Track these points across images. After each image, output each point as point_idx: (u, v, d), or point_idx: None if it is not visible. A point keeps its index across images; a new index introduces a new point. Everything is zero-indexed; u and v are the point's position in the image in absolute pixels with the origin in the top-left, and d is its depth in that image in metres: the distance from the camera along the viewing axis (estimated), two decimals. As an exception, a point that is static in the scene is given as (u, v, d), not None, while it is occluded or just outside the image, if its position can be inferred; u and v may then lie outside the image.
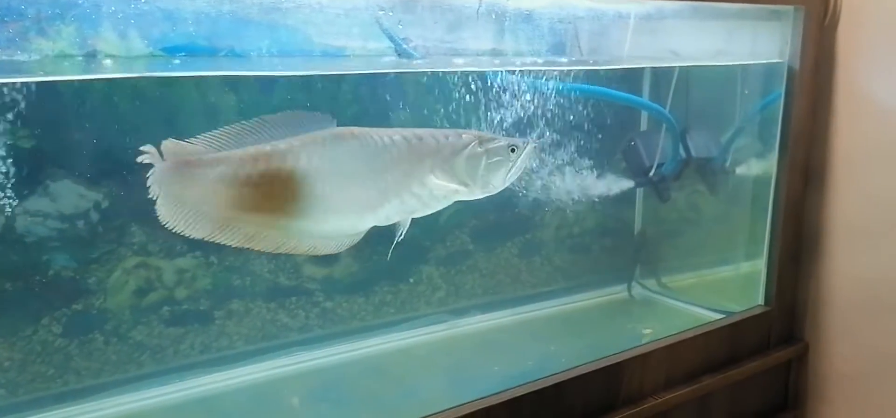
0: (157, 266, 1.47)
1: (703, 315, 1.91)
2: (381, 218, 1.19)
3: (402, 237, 1.22)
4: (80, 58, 1.28)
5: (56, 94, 1.31)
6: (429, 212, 1.23)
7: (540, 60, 1.75)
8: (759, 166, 1.89)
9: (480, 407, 1.33)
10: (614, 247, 2.12)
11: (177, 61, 1.36)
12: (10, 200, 1.28)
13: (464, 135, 1.21)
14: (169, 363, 1.51)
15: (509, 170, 1.22)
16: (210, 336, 1.55)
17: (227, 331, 1.57)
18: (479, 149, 1.20)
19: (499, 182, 1.22)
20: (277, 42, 1.52)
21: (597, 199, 1.91)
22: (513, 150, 1.21)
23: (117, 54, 1.34)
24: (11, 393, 1.35)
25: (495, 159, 1.20)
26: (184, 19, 1.33)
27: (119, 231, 1.42)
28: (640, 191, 2.09)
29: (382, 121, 1.68)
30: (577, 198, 1.87)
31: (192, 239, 1.36)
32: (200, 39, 1.41)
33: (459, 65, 1.63)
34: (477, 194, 1.23)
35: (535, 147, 1.24)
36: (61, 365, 1.39)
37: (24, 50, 1.23)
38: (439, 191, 1.20)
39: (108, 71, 1.33)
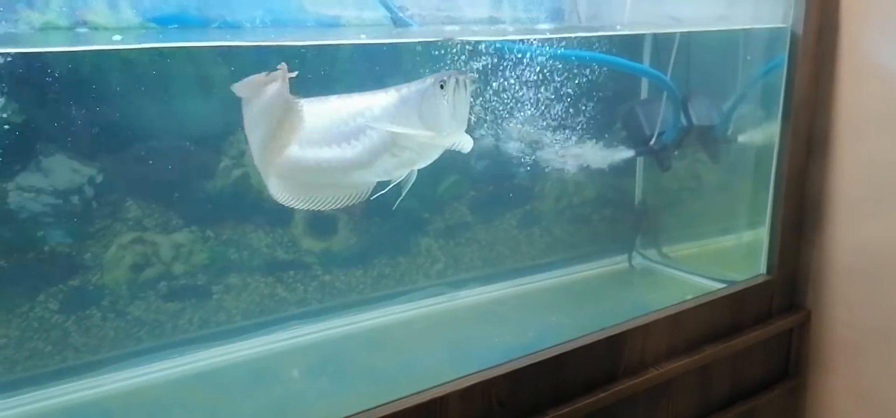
0: (154, 241, 1.46)
1: (704, 285, 1.90)
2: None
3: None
4: (68, 29, 1.26)
5: (46, 67, 1.29)
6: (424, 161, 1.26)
7: (538, 27, 1.73)
8: (761, 134, 1.87)
9: (481, 380, 1.32)
10: (614, 217, 2.11)
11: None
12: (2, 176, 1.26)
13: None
14: (167, 338, 1.50)
15: (450, 106, 1.18)
16: (208, 310, 1.54)
17: (225, 306, 1.56)
18: (411, 91, 1.20)
19: (446, 120, 1.19)
20: (270, 12, 1.49)
21: (596, 169, 1.89)
22: (441, 86, 1.18)
23: (107, 25, 1.31)
24: (8, 370, 1.34)
25: (430, 99, 1.18)
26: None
27: (114, 205, 1.40)
28: (640, 160, 2.07)
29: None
30: (576, 167, 1.85)
31: (187, 213, 1.37)
32: (192, 10, 1.39)
33: (455, 33, 1.60)
34: (442, 137, 1.22)
35: (469, 79, 1.18)
36: (58, 341, 1.38)
37: (8, 20, 1.21)
38: (416, 141, 1.22)
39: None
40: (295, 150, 1.17)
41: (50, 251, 1.35)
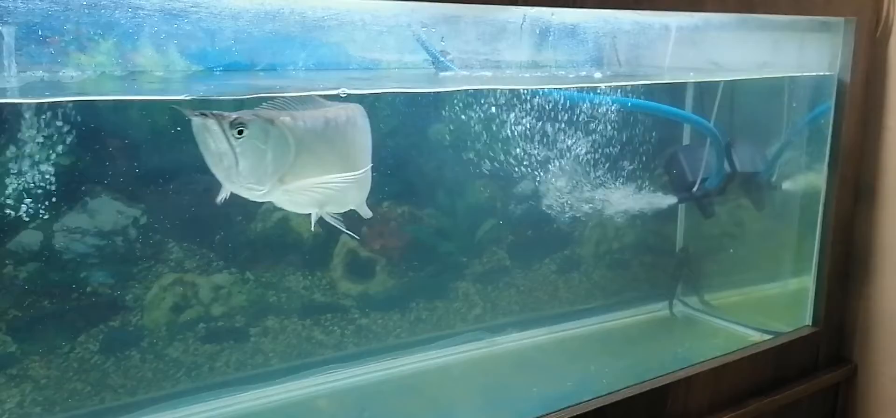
0: (194, 282, 1.46)
1: (747, 335, 1.85)
2: None
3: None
4: (119, 73, 1.28)
5: (94, 112, 1.31)
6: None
7: (576, 73, 1.72)
8: (806, 181, 1.83)
9: (520, 432, 1.30)
10: (655, 263, 2.07)
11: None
12: (47, 216, 1.27)
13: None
14: (204, 380, 1.50)
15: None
16: (245, 353, 1.54)
17: (262, 349, 1.56)
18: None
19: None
20: (313, 55, 1.51)
21: (637, 214, 1.87)
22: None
23: (155, 70, 1.33)
24: (48, 410, 1.34)
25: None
26: (223, 36, 1.32)
27: (156, 247, 1.41)
28: (682, 207, 2.04)
29: (417, 137, 1.66)
30: (617, 213, 1.83)
31: (229, 255, 1.36)
32: (237, 53, 1.40)
33: (494, 80, 1.60)
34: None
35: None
36: (98, 382, 1.38)
37: (63, 65, 1.23)
38: None
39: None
40: None
41: (92, 292, 1.36)
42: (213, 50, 1.38)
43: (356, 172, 1.18)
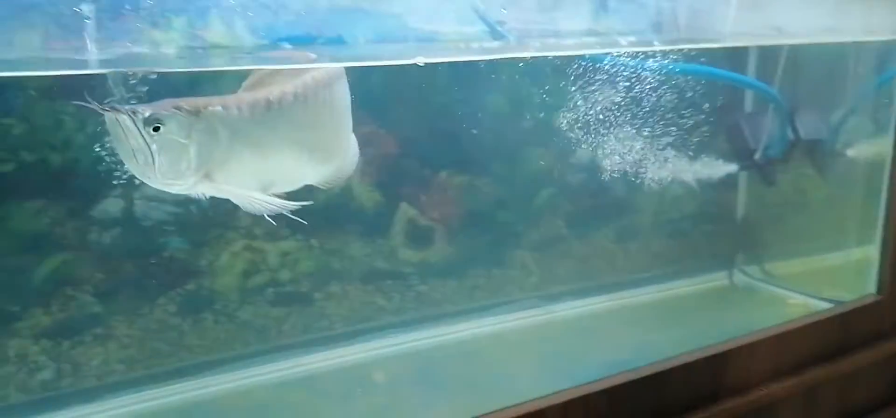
0: (262, 249, 1.52)
1: (810, 304, 1.83)
2: None
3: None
4: (188, 48, 1.33)
5: (170, 82, 1.37)
6: None
7: (634, 40, 1.71)
8: (872, 148, 1.79)
9: (578, 395, 1.31)
10: (715, 232, 2.06)
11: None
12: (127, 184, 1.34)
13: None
14: (272, 342, 1.56)
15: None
16: (310, 317, 1.60)
17: (326, 313, 1.61)
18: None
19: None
20: (372, 28, 1.54)
21: (697, 182, 1.85)
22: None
23: (224, 43, 1.38)
24: (130, 368, 1.42)
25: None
26: (288, 10, 1.36)
27: (227, 214, 1.47)
28: (743, 174, 2.02)
29: (475, 107, 1.68)
30: (676, 181, 1.82)
31: (295, 223, 1.40)
32: (299, 27, 1.44)
33: (550, 48, 1.60)
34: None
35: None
36: (175, 342, 1.46)
37: (135, 41, 1.29)
38: None
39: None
40: None
41: (169, 257, 1.43)
42: (278, 23, 1.43)
43: (287, 204, 1.07)
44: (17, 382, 1.34)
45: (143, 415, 1.41)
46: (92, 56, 1.23)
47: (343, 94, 1.20)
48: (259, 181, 1.09)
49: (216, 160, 1.02)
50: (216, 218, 1.46)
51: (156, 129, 0.95)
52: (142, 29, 1.30)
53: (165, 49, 1.25)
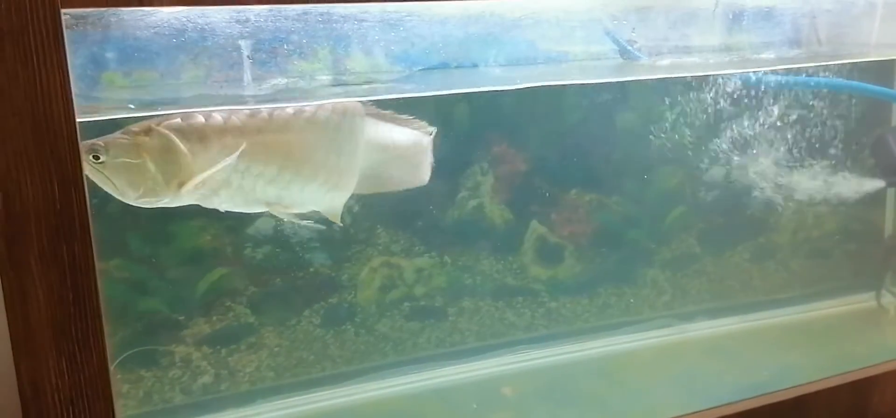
0: (399, 265, 1.60)
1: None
2: None
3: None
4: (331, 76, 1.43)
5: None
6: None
7: (771, 55, 1.67)
8: None
9: (716, 417, 1.30)
10: (860, 251, 1.95)
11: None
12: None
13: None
14: (408, 354, 1.63)
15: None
16: (444, 331, 1.66)
17: (459, 327, 1.67)
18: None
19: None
20: (503, 51, 1.58)
21: (839, 200, 1.77)
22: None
23: (363, 71, 1.47)
24: (279, 375, 1.53)
25: None
26: (424, 39, 1.43)
27: (367, 232, 1.56)
28: (891, 191, 1.91)
29: (606, 125, 1.69)
30: (817, 198, 1.75)
31: (431, 241, 1.46)
32: (436, 56, 1.51)
33: (689, 67, 1.59)
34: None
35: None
36: (319, 352, 1.56)
37: (284, 73, 1.39)
38: None
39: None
40: None
41: (314, 272, 1.53)
42: (414, 52, 1.50)
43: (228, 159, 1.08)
44: (181, 385, 1.48)
45: (291, 420, 1.51)
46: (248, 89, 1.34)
47: (352, 129, 1.23)
48: (262, 195, 1.14)
49: (196, 171, 1.05)
50: (357, 235, 1.55)
51: (96, 159, 0.99)
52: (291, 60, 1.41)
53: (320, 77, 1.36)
